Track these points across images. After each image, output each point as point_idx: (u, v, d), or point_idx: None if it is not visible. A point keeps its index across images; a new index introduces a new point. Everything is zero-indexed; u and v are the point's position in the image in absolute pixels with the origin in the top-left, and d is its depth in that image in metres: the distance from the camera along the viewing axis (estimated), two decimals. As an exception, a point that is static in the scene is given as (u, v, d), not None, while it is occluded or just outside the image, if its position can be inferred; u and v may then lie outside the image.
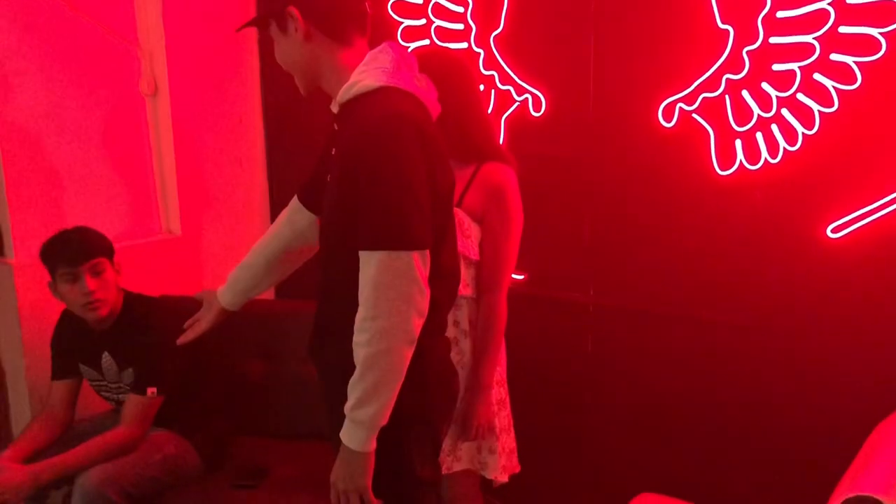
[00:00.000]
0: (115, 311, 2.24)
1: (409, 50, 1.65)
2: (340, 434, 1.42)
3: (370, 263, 1.37)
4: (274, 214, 3.15)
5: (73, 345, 2.28)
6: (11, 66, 2.42)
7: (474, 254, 1.94)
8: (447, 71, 1.85)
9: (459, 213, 1.89)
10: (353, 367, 1.40)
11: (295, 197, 1.80)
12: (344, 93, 1.47)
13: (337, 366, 1.47)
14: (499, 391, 2.03)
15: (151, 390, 2.19)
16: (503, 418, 2.04)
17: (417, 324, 1.39)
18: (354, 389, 1.39)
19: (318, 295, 1.57)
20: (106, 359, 2.26)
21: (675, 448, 2.44)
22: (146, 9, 2.77)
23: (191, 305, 1.92)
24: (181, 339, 1.82)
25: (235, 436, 2.45)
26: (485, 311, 1.95)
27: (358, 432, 1.40)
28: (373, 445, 1.41)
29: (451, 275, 1.58)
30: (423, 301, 1.39)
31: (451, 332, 1.91)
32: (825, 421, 2.17)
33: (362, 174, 1.39)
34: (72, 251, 2.13)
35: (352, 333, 1.40)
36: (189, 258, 2.91)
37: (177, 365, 2.25)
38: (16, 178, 2.45)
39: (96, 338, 2.25)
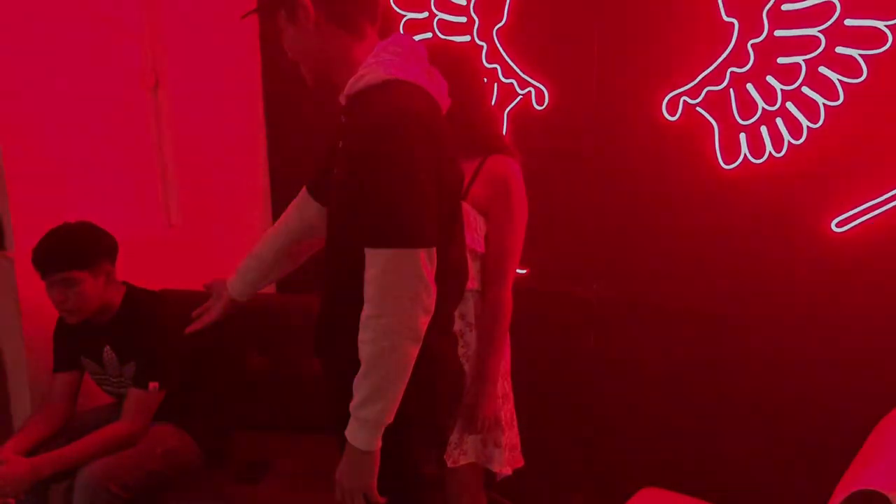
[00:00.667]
0: (112, 306, 2.23)
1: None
2: (346, 432, 1.40)
3: (376, 261, 1.35)
4: (276, 208, 3.15)
5: (75, 338, 2.28)
6: (12, 58, 2.41)
7: (480, 246, 1.93)
8: (453, 64, 1.84)
9: (465, 206, 1.88)
10: (359, 364, 1.38)
11: (304, 188, 1.79)
12: (352, 85, 1.44)
13: (343, 362, 1.45)
14: (503, 385, 2.02)
15: (153, 385, 2.18)
16: (507, 412, 2.04)
17: (423, 322, 1.37)
18: (360, 388, 1.38)
19: (324, 289, 1.56)
20: (107, 352, 2.25)
21: (679, 442, 2.44)
22: (148, 1, 2.76)
23: (192, 299, 1.91)
24: (189, 329, 1.82)
25: (236, 429, 2.45)
26: (490, 304, 1.94)
27: (363, 431, 1.38)
28: (378, 444, 1.39)
29: (458, 272, 1.57)
30: (430, 299, 1.38)
31: (456, 325, 1.90)
32: (829, 414, 2.17)
33: (368, 170, 1.37)
34: (41, 263, 2.12)
35: (358, 329, 1.38)
36: (190, 252, 2.91)
37: (178, 359, 2.24)
38: (17, 171, 2.44)
39: (97, 331, 2.25)
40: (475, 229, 1.92)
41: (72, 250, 2.14)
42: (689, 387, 2.40)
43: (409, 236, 1.35)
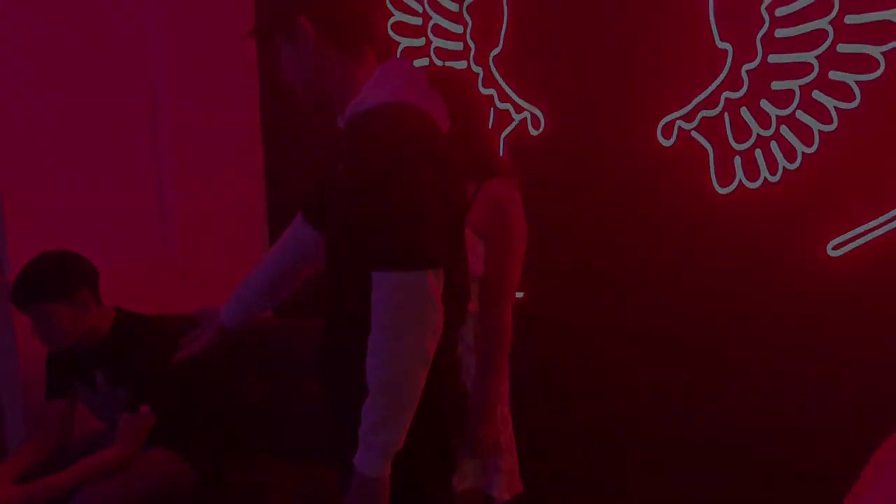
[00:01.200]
0: (99, 332, 2.22)
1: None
2: (354, 460, 1.35)
3: (383, 284, 1.33)
4: (272, 232, 3.15)
5: (68, 363, 2.26)
6: (9, 81, 2.42)
7: (479, 269, 1.93)
8: (452, 88, 1.85)
9: (464, 229, 1.88)
10: (366, 388, 1.35)
11: (299, 214, 1.78)
12: (354, 108, 1.43)
13: (349, 387, 1.42)
14: (502, 409, 2.01)
15: (144, 409, 2.16)
16: (506, 437, 2.02)
17: (432, 344, 1.34)
18: (369, 413, 1.34)
19: (327, 314, 1.53)
20: (100, 378, 2.24)
21: (678, 468, 2.42)
22: (146, 22, 2.78)
23: (185, 324, 1.89)
24: (177, 356, 1.80)
25: (233, 454, 2.42)
26: (490, 327, 1.93)
27: (373, 457, 1.34)
28: (388, 470, 1.34)
29: (462, 293, 1.54)
30: (438, 320, 1.34)
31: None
32: (826, 440, 2.16)
33: (374, 193, 1.35)
34: (13, 297, 2.13)
35: (363, 353, 1.35)
36: (187, 276, 2.90)
37: (171, 383, 2.23)
38: (12, 194, 2.44)
39: (89, 357, 2.23)
40: (474, 252, 1.92)
41: (41, 283, 2.12)
42: (687, 411, 2.39)
43: (416, 258, 1.32)
